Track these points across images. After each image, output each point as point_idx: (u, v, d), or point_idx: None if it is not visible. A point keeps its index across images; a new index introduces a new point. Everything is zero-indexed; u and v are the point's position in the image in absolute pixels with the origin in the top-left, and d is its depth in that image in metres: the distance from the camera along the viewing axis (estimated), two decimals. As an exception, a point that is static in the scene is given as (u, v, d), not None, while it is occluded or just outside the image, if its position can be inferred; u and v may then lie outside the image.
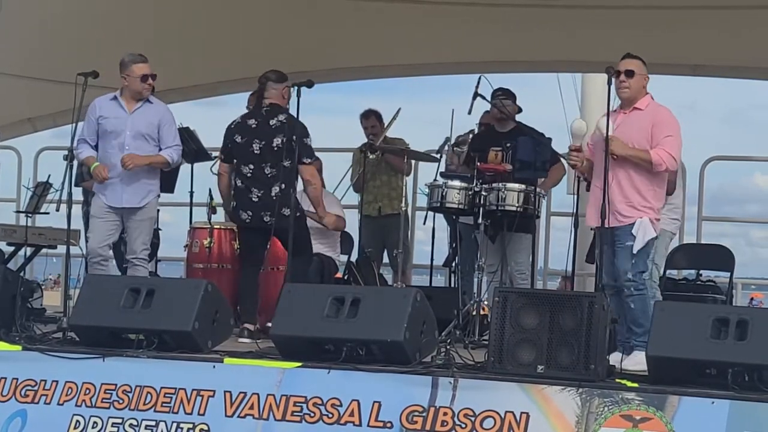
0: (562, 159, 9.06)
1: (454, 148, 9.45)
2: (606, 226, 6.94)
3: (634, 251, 6.94)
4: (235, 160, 8.22)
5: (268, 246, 8.19)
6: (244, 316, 8.14)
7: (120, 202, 8.00)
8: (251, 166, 8.11)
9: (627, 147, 6.96)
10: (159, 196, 8.31)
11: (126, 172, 7.95)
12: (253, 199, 8.08)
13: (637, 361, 6.55)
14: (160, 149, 8.08)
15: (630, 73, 7.03)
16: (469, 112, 8.83)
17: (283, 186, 8.02)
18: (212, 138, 8.78)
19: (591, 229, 7.33)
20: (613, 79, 7.06)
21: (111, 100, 8.07)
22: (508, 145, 8.69)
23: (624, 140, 6.99)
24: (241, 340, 7.79)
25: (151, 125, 8.05)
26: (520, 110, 9.06)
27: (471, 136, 9.23)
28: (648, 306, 6.77)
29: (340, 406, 6.22)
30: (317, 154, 8.65)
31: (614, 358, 6.69)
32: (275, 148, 8.06)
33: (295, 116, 7.98)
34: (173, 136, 8.17)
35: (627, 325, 6.97)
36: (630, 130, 7.02)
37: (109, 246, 8.08)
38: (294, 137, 8.01)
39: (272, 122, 8.14)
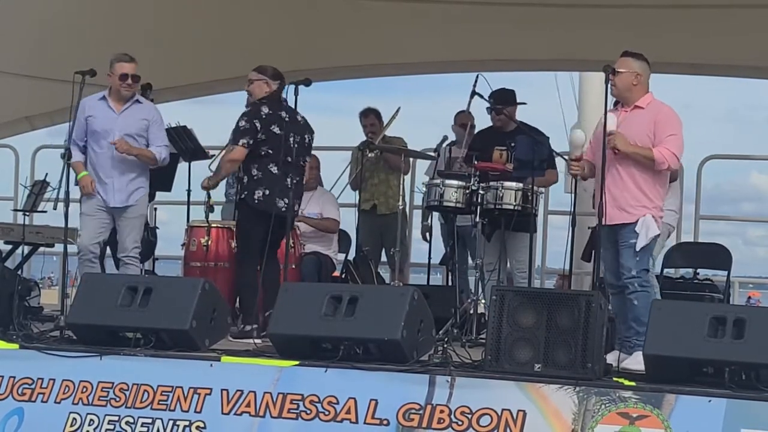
0: (559, 161, 9.04)
1: (451, 147, 9.45)
2: (611, 223, 6.90)
3: (638, 248, 6.89)
4: (270, 150, 7.97)
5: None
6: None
7: (111, 202, 8.04)
8: (289, 158, 7.97)
9: (630, 144, 6.91)
10: (150, 195, 8.34)
11: (117, 173, 8.00)
12: (289, 185, 7.91)
13: (639, 361, 6.44)
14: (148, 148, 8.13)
15: (615, 72, 6.99)
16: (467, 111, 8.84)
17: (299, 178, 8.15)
18: (209, 136, 8.80)
19: (589, 227, 7.29)
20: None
21: (99, 100, 8.07)
22: (513, 144, 8.67)
23: (627, 138, 6.94)
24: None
25: (140, 125, 8.10)
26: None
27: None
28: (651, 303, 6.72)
29: (337, 403, 6.22)
30: (315, 152, 8.60)
31: (612, 357, 6.69)
32: (306, 146, 8.15)
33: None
34: (162, 136, 8.25)
35: (628, 323, 6.93)
36: (632, 128, 6.97)
37: (99, 244, 8.12)
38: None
39: (299, 118, 8.13)
